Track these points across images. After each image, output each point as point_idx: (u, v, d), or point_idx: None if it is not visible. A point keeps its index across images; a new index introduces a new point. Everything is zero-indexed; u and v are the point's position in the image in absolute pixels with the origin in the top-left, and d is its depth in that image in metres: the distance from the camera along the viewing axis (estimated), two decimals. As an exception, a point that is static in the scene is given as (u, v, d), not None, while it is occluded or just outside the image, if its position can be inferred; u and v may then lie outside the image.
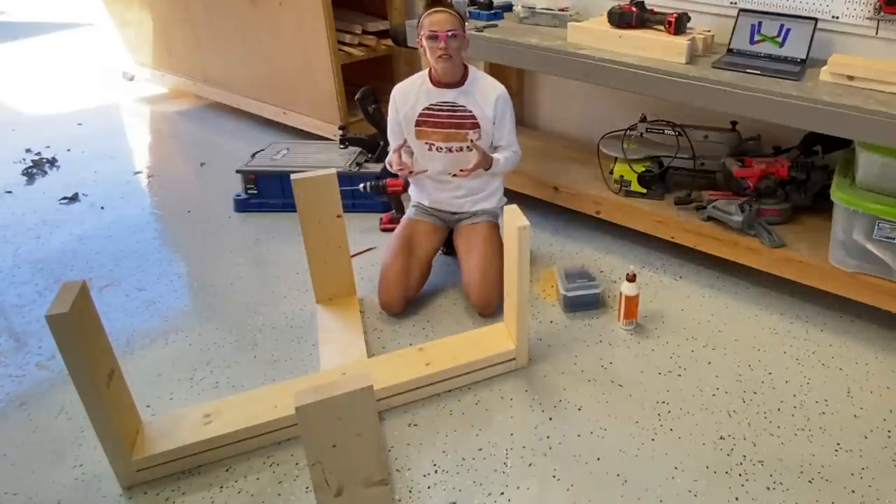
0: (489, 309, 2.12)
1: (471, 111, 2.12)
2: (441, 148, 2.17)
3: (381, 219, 2.72)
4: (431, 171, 2.22)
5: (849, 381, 1.87)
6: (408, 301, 2.15)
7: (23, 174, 3.28)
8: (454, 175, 2.10)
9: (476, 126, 2.13)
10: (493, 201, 2.29)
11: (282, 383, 1.82)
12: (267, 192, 2.84)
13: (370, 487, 1.41)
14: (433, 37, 2.00)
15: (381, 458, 1.41)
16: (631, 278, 1.99)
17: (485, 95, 2.13)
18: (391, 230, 2.41)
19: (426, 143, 2.18)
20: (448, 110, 2.13)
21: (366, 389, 1.27)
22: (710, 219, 2.29)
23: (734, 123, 2.46)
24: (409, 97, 2.15)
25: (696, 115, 2.50)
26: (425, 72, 2.16)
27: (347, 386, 1.27)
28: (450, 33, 1.99)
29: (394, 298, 2.11)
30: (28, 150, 3.54)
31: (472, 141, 2.07)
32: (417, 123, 2.15)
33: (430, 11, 2.03)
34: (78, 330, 1.34)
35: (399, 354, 1.91)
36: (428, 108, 2.14)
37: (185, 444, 1.58)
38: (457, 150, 2.17)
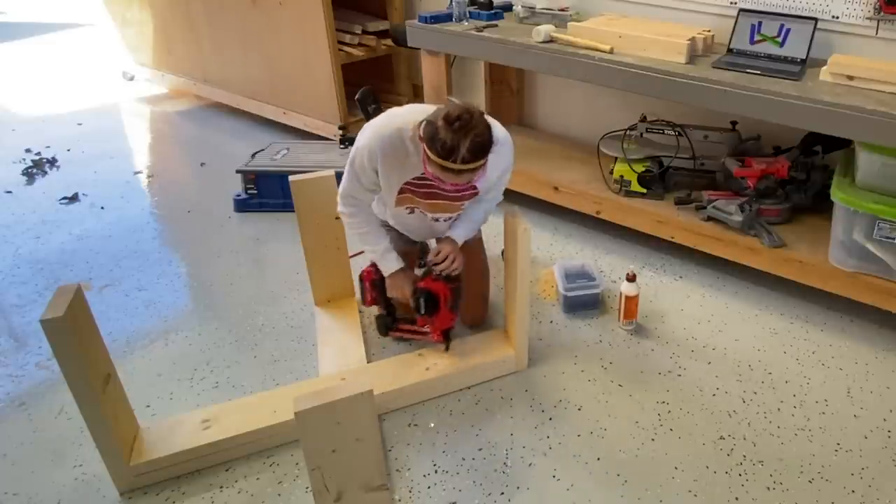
0: (479, 323, 2.07)
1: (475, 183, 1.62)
2: (425, 215, 1.77)
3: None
4: (399, 225, 1.85)
5: (849, 381, 1.87)
6: None
7: (23, 174, 3.27)
8: (425, 263, 1.78)
9: (475, 194, 1.74)
10: None
11: (280, 389, 1.82)
12: (267, 192, 2.84)
13: (370, 492, 1.40)
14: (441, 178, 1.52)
15: (381, 463, 1.41)
16: (631, 278, 1.99)
17: (495, 164, 1.63)
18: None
19: (406, 208, 1.75)
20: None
21: (365, 394, 1.27)
22: (710, 219, 2.29)
23: (734, 123, 2.46)
24: (396, 158, 1.62)
25: (696, 115, 2.50)
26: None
27: (347, 391, 1.26)
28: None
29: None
30: (28, 150, 3.54)
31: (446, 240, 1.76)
32: (401, 191, 1.68)
33: (451, 165, 1.44)
34: (73, 334, 1.33)
35: (399, 360, 1.90)
36: (419, 178, 1.65)
37: (182, 450, 1.57)
38: (444, 221, 1.80)
